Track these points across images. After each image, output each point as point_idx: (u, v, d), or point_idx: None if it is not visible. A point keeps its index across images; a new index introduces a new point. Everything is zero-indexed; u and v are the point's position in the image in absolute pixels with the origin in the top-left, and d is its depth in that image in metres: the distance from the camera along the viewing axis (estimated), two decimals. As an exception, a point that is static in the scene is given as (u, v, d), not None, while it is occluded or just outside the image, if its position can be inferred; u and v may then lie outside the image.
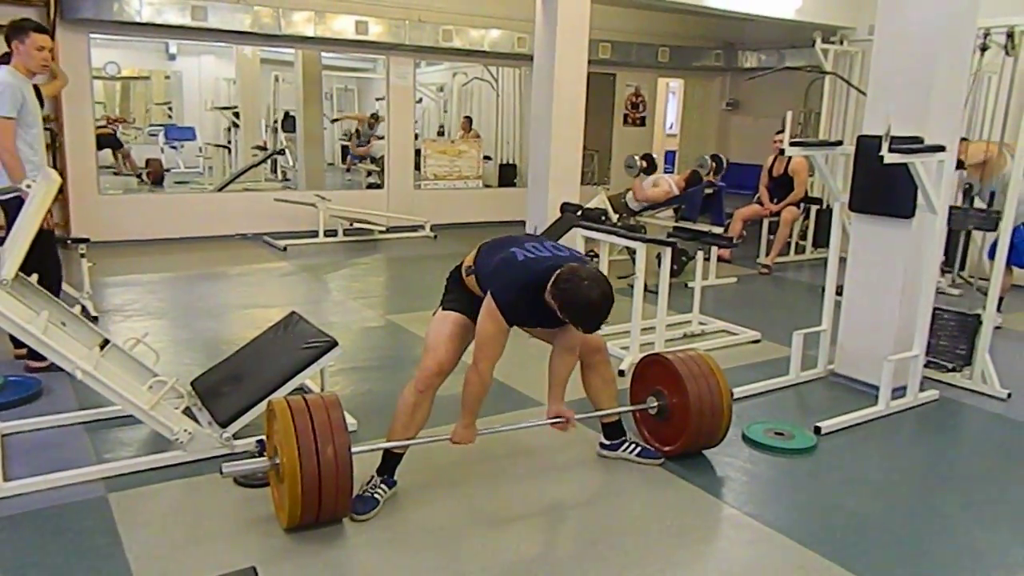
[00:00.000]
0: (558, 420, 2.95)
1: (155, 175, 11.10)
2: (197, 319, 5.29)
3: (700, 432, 3.15)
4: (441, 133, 12.90)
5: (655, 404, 3.24)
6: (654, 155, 7.32)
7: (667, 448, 3.23)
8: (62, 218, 7.32)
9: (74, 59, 7.28)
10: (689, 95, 12.09)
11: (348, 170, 12.74)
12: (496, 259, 2.72)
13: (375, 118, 12.68)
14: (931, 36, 3.87)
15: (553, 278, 2.53)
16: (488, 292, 2.67)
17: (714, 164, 7.38)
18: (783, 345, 4.54)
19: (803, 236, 8.24)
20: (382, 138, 10.28)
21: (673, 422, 3.20)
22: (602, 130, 10.71)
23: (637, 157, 7.19)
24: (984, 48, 4.72)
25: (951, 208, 4.11)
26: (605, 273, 4.80)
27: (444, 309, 2.87)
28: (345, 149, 13.24)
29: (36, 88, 4.14)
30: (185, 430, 3.04)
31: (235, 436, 3.12)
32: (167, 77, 13.59)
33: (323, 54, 9.81)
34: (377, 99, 12.80)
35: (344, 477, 2.51)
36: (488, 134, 11.65)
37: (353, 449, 2.55)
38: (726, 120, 12.10)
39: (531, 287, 2.60)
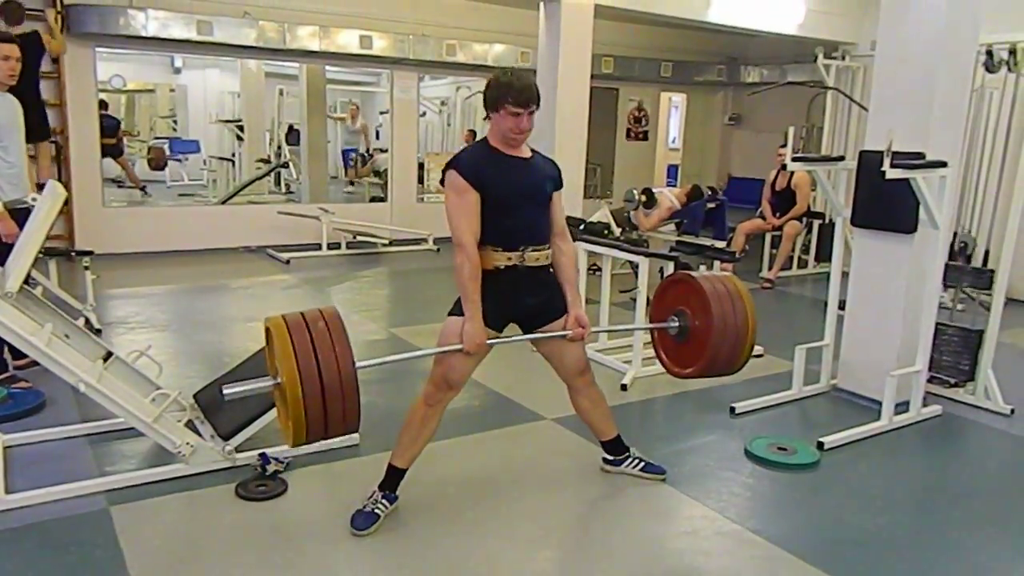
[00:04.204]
0: (574, 332, 2.84)
1: (157, 161, 11.13)
2: (200, 332, 5.29)
3: (719, 356, 2.91)
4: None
5: (676, 324, 3.03)
6: (653, 190, 7.30)
7: (685, 371, 3.04)
8: (66, 230, 7.35)
9: (80, 72, 7.34)
10: (692, 110, 12.12)
11: (351, 183, 12.73)
12: None
13: (356, 108, 12.89)
14: (932, 52, 3.89)
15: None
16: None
17: (710, 193, 7.41)
18: (786, 360, 4.54)
19: (805, 250, 8.24)
20: (385, 151, 10.32)
21: (693, 344, 2.99)
22: (605, 144, 10.74)
23: (636, 191, 7.16)
24: (990, 69, 4.72)
25: (947, 265, 4.13)
26: (607, 287, 4.82)
27: (451, 314, 2.76)
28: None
29: (15, 87, 4.03)
30: (187, 443, 3.04)
31: (237, 449, 3.12)
32: (172, 90, 13.67)
33: (327, 68, 9.87)
34: (381, 112, 12.86)
35: (350, 389, 2.31)
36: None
37: (358, 364, 2.36)
38: (728, 135, 12.13)
39: (475, 144, 2.81)
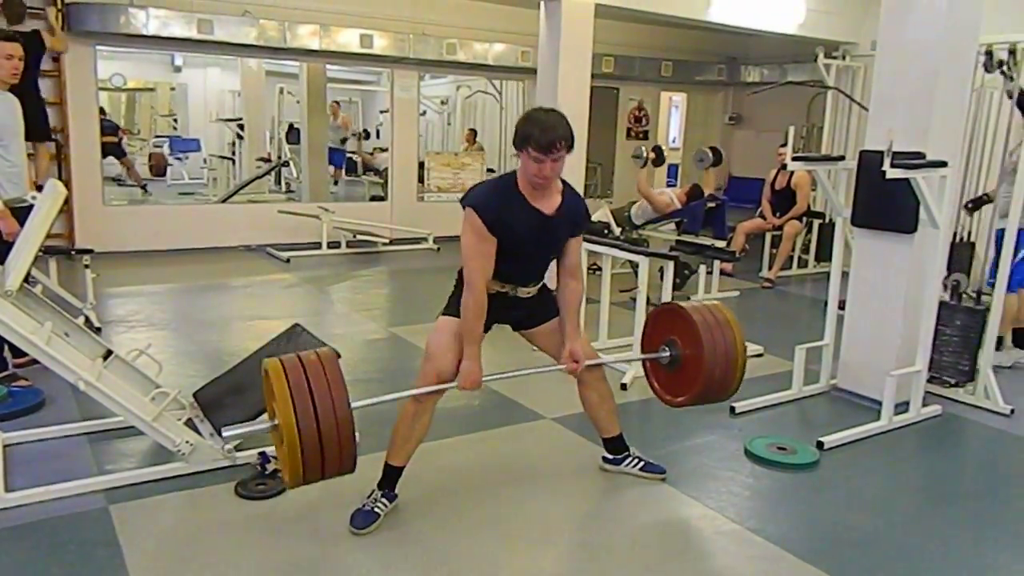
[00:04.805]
0: (568, 365, 2.89)
1: (158, 168, 11.15)
2: (200, 331, 5.30)
3: (711, 385, 2.99)
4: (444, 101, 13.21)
5: (667, 354, 3.08)
6: (663, 147, 7.26)
7: (678, 399, 3.10)
8: (67, 228, 7.35)
9: (80, 70, 7.35)
10: (692, 109, 12.13)
11: (336, 182, 12.59)
12: None
13: (337, 104, 12.90)
14: (933, 52, 3.89)
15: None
16: (464, 209, 2.68)
17: (714, 157, 7.30)
18: (785, 359, 4.54)
19: (805, 250, 8.24)
20: (385, 150, 10.33)
21: (685, 373, 3.05)
22: (605, 144, 10.73)
23: (646, 148, 7.12)
24: (988, 70, 4.72)
25: (940, 303, 4.13)
26: (607, 287, 4.82)
27: (445, 314, 2.81)
28: (351, 161, 13.25)
29: (15, 87, 4.01)
30: (187, 441, 3.04)
31: (237, 448, 3.12)
32: (172, 89, 13.68)
33: (328, 67, 9.87)
34: (381, 111, 12.87)
35: (345, 432, 2.36)
36: (492, 146, 11.69)
37: (353, 405, 2.40)
38: (729, 134, 12.13)
39: (502, 181, 2.73)
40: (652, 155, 7.04)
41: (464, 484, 3.13)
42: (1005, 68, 4.30)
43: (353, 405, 2.39)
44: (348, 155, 13.04)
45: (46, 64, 6.90)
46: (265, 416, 2.63)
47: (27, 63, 4.15)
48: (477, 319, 2.67)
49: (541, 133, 2.53)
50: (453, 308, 2.78)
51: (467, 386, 2.71)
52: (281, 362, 2.42)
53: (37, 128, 5.01)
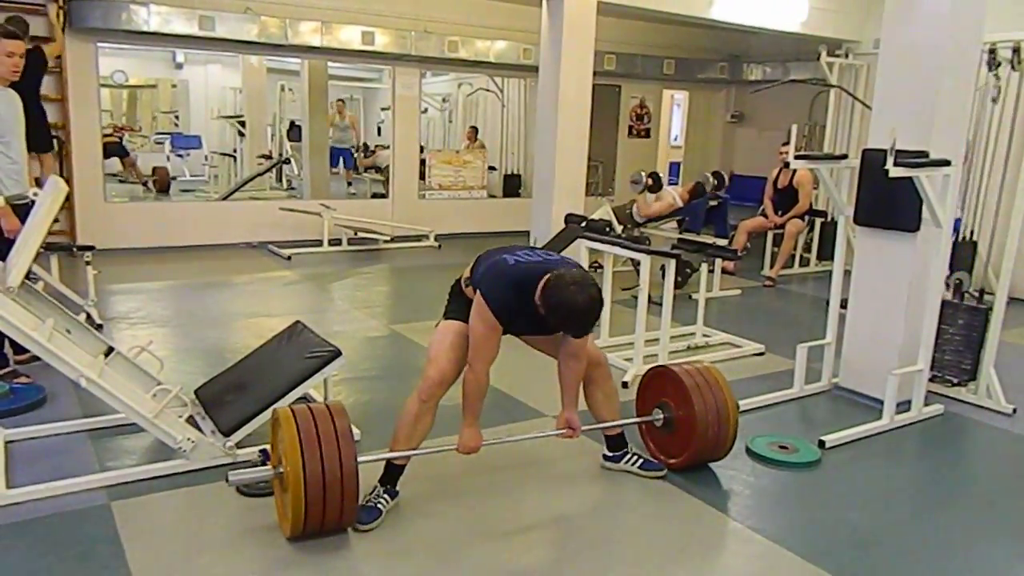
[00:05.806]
0: (563, 431, 2.97)
1: (162, 183, 11.15)
2: (201, 328, 5.30)
3: (705, 445, 3.13)
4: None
5: (661, 416, 3.23)
6: (660, 174, 7.39)
7: (672, 461, 3.22)
8: (68, 225, 7.36)
9: (82, 67, 7.35)
10: (694, 107, 12.12)
11: (349, 184, 12.60)
12: (487, 263, 2.81)
13: (343, 103, 12.81)
14: (936, 50, 3.88)
15: (542, 283, 2.59)
16: (478, 293, 2.71)
17: (715, 181, 7.43)
18: (787, 358, 4.53)
19: (807, 249, 8.24)
20: (387, 147, 10.32)
21: (679, 435, 3.19)
22: (607, 141, 10.73)
23: (644, 173, 7.22)
24: (995, 65, 4.73)
25: (943, 302, 4.12)
26: (609, 285, 4.81)
27: (446, 319, 2.90)
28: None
29: (18, 83, 4.00)
30: (188, 439, 3.04)
31: (238, 445, 3.12)
32: (174, 86, 13.64)
33: (329, 64, 9.86)
34: (382, 109, 12.84)
35: (350, 486, 2.50)
36: (493, 144, 11.67)
37: (359, 459, 2.55)
38: (731, 132, 12.12)
39: (521, 287, 2.66)
40: (649, 181, 7.16)
41: (465, 481, 3.13)
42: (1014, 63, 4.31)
43: (360, 459, 2.54)
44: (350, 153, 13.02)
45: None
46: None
47: (29, 80, 4.18)
48: (478, 397, 2.78)
49: (559, 319, 2.59)
50: (452, 313, 2.89)
51: (465, 451, 2.84)
52: (293, 412, 2.58)
53: (41, 141, 5.04)
